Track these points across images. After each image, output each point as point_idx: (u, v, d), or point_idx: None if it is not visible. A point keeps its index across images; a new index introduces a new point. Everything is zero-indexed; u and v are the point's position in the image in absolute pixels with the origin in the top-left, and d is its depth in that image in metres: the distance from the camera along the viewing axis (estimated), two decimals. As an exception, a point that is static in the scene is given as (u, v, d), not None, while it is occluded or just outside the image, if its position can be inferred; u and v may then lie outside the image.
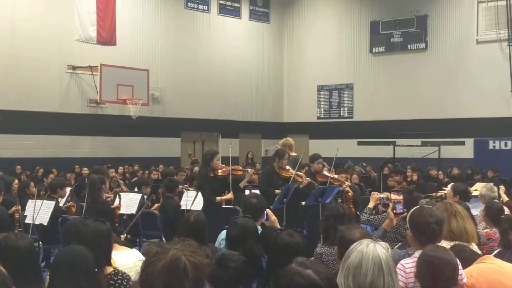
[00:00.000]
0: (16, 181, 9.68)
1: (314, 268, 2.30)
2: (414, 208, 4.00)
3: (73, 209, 9.01)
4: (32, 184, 9.86)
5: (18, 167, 15.04)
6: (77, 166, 15.68)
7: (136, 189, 10.54)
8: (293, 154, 9.73)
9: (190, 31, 20.57)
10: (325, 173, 9.32)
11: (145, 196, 9.45)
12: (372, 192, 6.22)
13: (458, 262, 3.45)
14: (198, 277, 2.20)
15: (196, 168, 12.20)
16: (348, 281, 2.52)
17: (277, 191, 8.31)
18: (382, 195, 5.77)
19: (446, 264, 3.19)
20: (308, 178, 8.78)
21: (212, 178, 7.92)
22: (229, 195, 8.00)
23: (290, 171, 8.72)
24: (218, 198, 7.90)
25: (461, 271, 3.76)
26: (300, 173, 8.80)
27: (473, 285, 3.59)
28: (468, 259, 3.80)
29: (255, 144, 22.32)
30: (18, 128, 16.26)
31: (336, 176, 8.90)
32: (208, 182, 7.93)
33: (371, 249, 2.58)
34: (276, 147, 10.03)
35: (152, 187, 10.80)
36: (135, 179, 13.64)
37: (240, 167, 9.14)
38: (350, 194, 10.44)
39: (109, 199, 8.57)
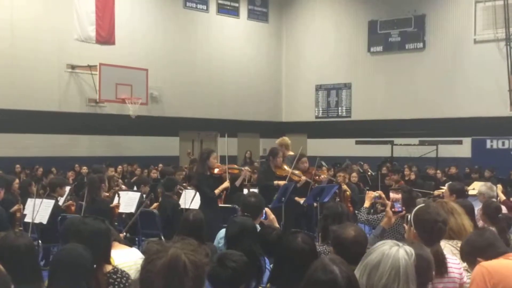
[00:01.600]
0: (17, 180, 9.68)
1: (341, 267, 2.39)
2: (419, 206, 3.93)
3: (73, 207, 9.03)
4: (33, 183, 9.89)
5: (18, 166, 15.05)
6: (77, 165, 15.69)
7: (135, 188, 10.56)
8: (290, 153, 9.74)
9: (189, 30, 20.57)
10: (286, 167, 9.02)
11: (144, 195, 9.48)
12: (367, 191, 6.25)
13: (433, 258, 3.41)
14: (198, 276, 2.21)
15: (197, 167, 12.24)
16: (362, 279, 2.50)
17: (275, 182, 8.36)
18: (375, 193, 5.80)
19: (422, 259, 3.21)
20: (304, 177, 8.81)
21: (209, 176, 7.96)
22: (225, 184, 8.02)
23: (287, 169, 8.76)
24: (216, 191, 7.94)
25: (461, 269, 3.75)
26: (296, 172, 8.82)
27: (495, 285, 3.46)
28: None
29: (254, 143, 22.33)
30: (17, 127, 16.24)
31: (296, 172, 8.83)
32: (206, 180, 7.97)
33: (393, 253, 2.51)
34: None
35: (151, 186, 10.82)
36: (134, 178, 13.64)
37: (236, 166, 9.17)
38: (348, 193, 10.50)
39: (108, 197, 8.60)
